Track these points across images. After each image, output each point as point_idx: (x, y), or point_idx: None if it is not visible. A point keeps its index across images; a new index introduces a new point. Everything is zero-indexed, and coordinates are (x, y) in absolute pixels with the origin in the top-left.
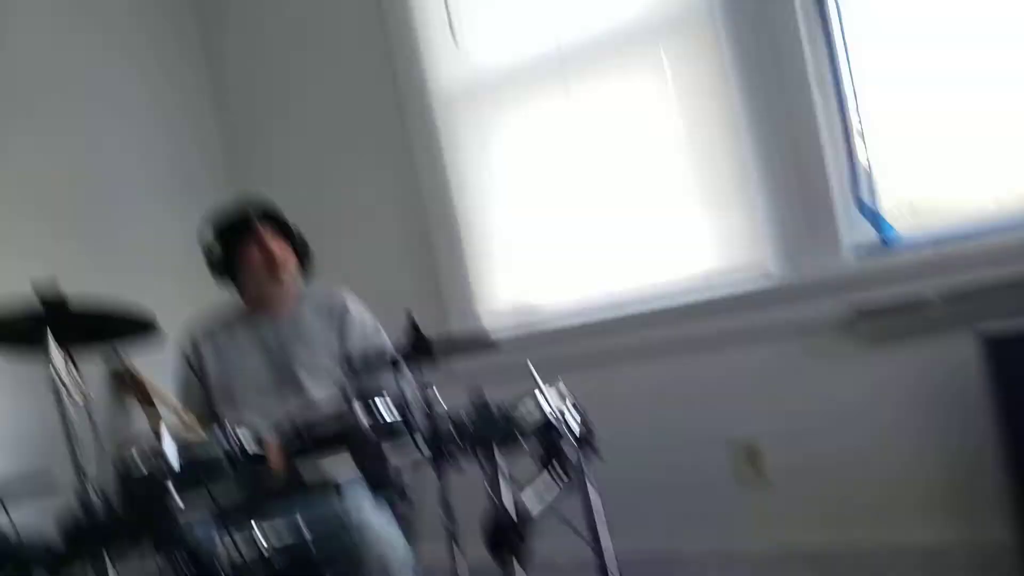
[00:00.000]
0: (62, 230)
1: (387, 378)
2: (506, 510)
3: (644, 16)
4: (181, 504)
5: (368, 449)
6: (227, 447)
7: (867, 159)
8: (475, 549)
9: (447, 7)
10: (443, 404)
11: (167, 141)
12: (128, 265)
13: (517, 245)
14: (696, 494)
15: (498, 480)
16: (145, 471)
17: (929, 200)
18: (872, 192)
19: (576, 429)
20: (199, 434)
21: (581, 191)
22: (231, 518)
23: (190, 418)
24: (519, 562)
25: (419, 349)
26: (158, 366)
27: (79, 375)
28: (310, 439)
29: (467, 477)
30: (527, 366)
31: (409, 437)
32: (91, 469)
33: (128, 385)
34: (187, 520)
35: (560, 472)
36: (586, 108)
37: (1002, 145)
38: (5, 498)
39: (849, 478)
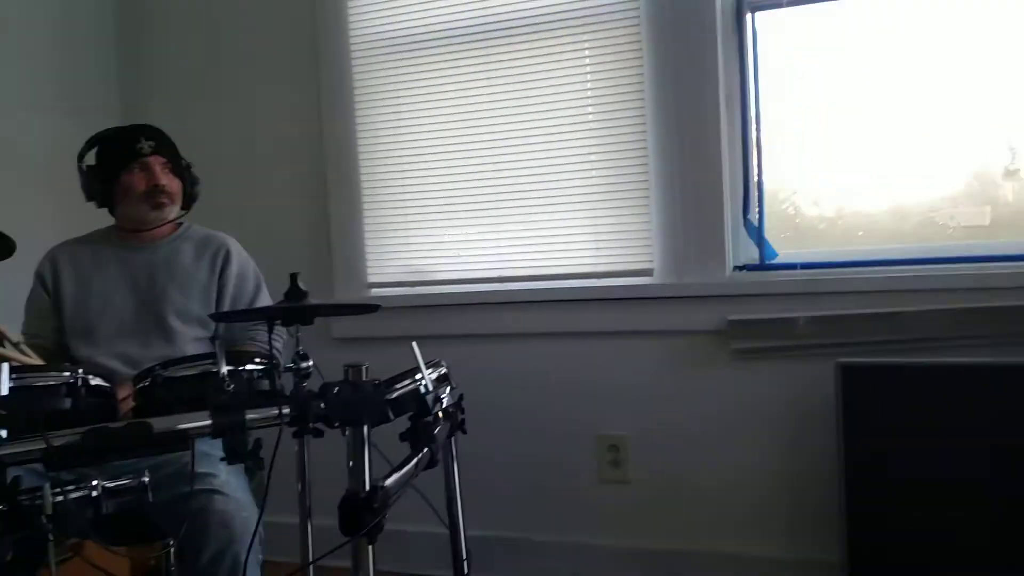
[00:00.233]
0: None
1: (260, 336)
2: (366, 493)
3: (574, 1)
4: (9, 452)
5: (229, 416)
6: (69, 379)
7: (760, 178)
8: (325, 518)
9: None
10: (319, 374)
11: (60, 55)
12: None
13: (414, 213)
14: (557, 485)
15: (362, 460)
16: None
17: (813, 227)
18: (760, 211)
19: (450, 413)
20: (36, 361)
21: (483, 167)
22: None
23: (25, 349)
24: (371, 542)
25: (297, 311)
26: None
27: None
28: (168, 392)
29: (326, 442)
30: (412, 347)
31: (273, 406)
32: None
33: None
34: (14, 474)
35: (428, 456)
36: (501, 84)
37: (887, 178)
38: None
39: (703, 485)
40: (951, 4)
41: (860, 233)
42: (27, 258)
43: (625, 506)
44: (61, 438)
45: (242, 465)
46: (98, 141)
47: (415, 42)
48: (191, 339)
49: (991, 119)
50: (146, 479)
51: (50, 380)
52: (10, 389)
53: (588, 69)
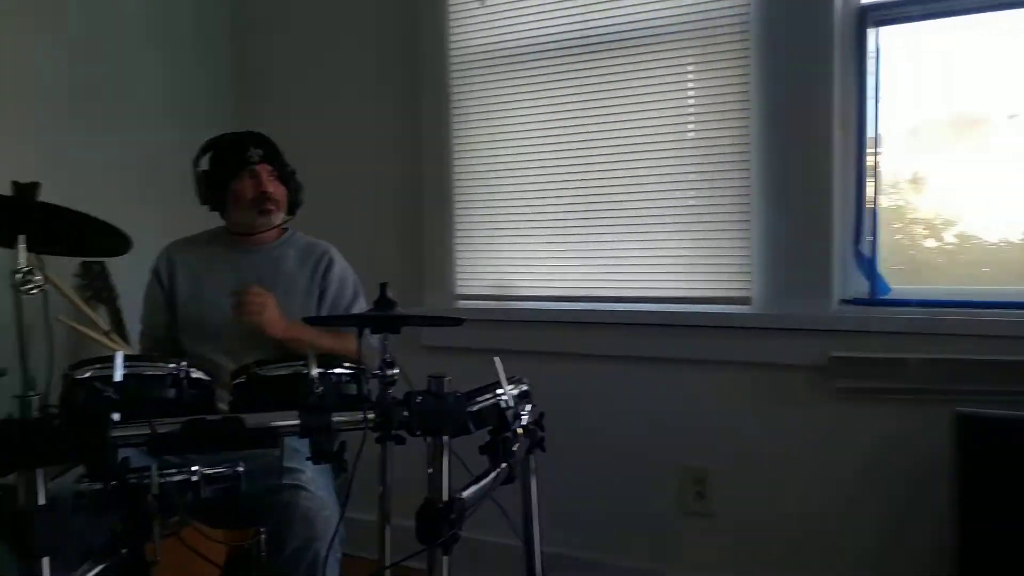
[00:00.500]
0: (53, 139)
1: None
2: (444, 502)
3: (678, 13)
4: (121, 435)
5: (317, 417)
6: (174, 371)
7: (875, 206)
8: (404, 520)
9: None
10: (407, 381)
11: (177, 64)
12: (116, 181)
13: (504, 227)
14: (636, 511)
15: (442, 470)
16: (90, 398)
17: (931, 260)
18: (874, 243)
19: (530, 430)
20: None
21: (576, 183)
22: (165, 444)
23: (115, 337)
24: (446, 552)
25: (385, 320)
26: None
27: (44, 279)
28: (262, 389)
29: (408, 446)
30: (495, 362)
31: (359, 411)
32: (41, 374)
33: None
34: (124, 455)
35: (506, 471)
36: (597, 98)
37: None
38: None
39: (790, 523)
40: None
41: (984, 269)
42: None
43: (707, 540)
44: (164, 425)
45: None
46: (211, 147)
47: (513, 55)
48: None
49: None
50: (240, 468)
51: (157, 370)
52: (123, 376)
53: (690, 83)
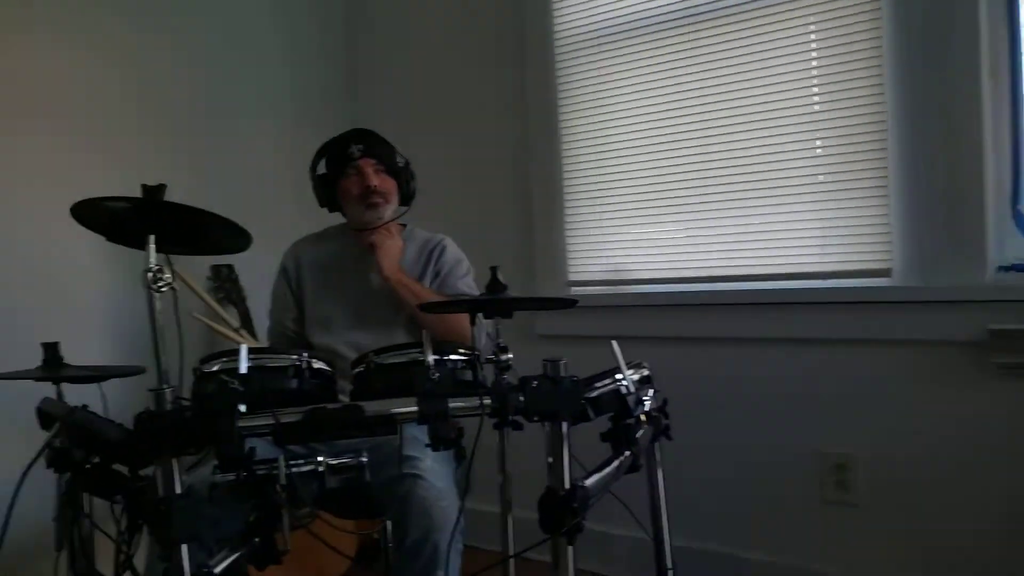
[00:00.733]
0: (178, 144)
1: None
2: (566, 490)
3: None
4: (247, 425)
5: (434, 403)
6: (296, 362)
7: None
8: (527, 512)
9: None
10: (515, 370)
11: (292, 65)
12: (239, 183)
13: (616, 210)
14: (772, 502)
15: (562, 457)
16: (217, 390)
17: None
18: None
19: (654, 417)
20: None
21: (692, 160)
22: (288, 434)
23: (243, 333)
24: (570, 542)
25: (497, 303)
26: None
27: (173, 275)
28: (381, 377)
29: (528, 436)
30: (612, 346)
31: (475, 397)
32: (174, 368)
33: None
34: (251, 445)
35: (630, 459)
36: (711, 70)
37: None
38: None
39: (944, 514)
40: None
41: None
42: (267, 255)
43: (851, 532)
44: (287, 415)
45: (450, 453)
46: (323, 151)
47: (618, 33)
48: (411, 331)
49: None
50: (364, 459)
51: (280, 362)
52: (248, 369)
53: (813, 46)
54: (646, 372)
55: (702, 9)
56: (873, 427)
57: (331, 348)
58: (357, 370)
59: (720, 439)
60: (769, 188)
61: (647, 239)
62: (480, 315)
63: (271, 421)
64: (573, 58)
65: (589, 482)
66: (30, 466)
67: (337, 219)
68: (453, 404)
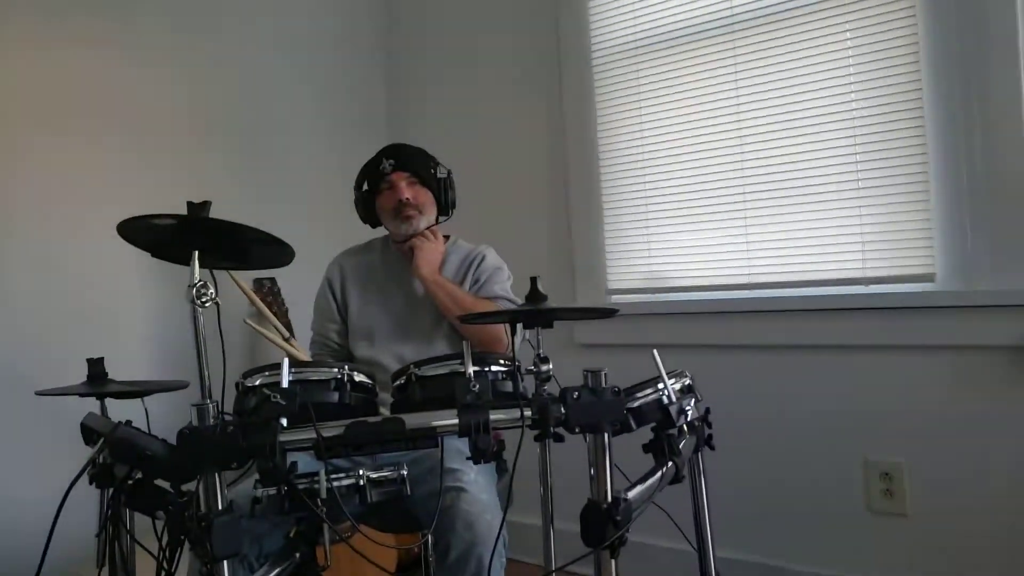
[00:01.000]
0: (223, 159)
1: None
2: (608, 503)
3: None
4: (289, 439)
5: (474, 415)
6: (337, 375)
7: None
8: (569, 524)
9: None
10: (556, 382)
11: (334, 81)
12: (282, 195)
13: (656, 217)
14: (817, 511)
15: (604, 469)
16: (260, 405)
17: None
18: None
19: (696, 426)
20: (302, 354)
21: (730, 166)
22: (330, 447)
23: (294, 343)
24: (613, 555)
25: (537, 313)
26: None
27: (216, 290)
28: (421, 389)
29: (570, 447)
30: (653, 355)
31: (516, 408)
32: (217, 382)
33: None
34: (292, 459)
35: (673, 470)
36: (748, 77)
37: None
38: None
39: (998, 525)
40: None
41: None
42: (308, 267)
43: (901, 542)
44: (329, 429)
45: (492, 465)
46: (362, 170)
47: (656, 41)
48: (452, 341)
49: None
50: (404, 472)
51: (321, 375)
52: (289, 382)
53: (850, 51)
54: (688, 381)
55: (738, 18)
56: (920, 434)
57: (374, 360)
58: (398, 382)
59: (763, 448)
60: (809, 193)
61: (687, 246)
62: (519, 325)
63: (312, 435)
64: (610, 68)
65: (631, 494)
66: (73, 482)
67: (379, 232)
68: (494, 416)
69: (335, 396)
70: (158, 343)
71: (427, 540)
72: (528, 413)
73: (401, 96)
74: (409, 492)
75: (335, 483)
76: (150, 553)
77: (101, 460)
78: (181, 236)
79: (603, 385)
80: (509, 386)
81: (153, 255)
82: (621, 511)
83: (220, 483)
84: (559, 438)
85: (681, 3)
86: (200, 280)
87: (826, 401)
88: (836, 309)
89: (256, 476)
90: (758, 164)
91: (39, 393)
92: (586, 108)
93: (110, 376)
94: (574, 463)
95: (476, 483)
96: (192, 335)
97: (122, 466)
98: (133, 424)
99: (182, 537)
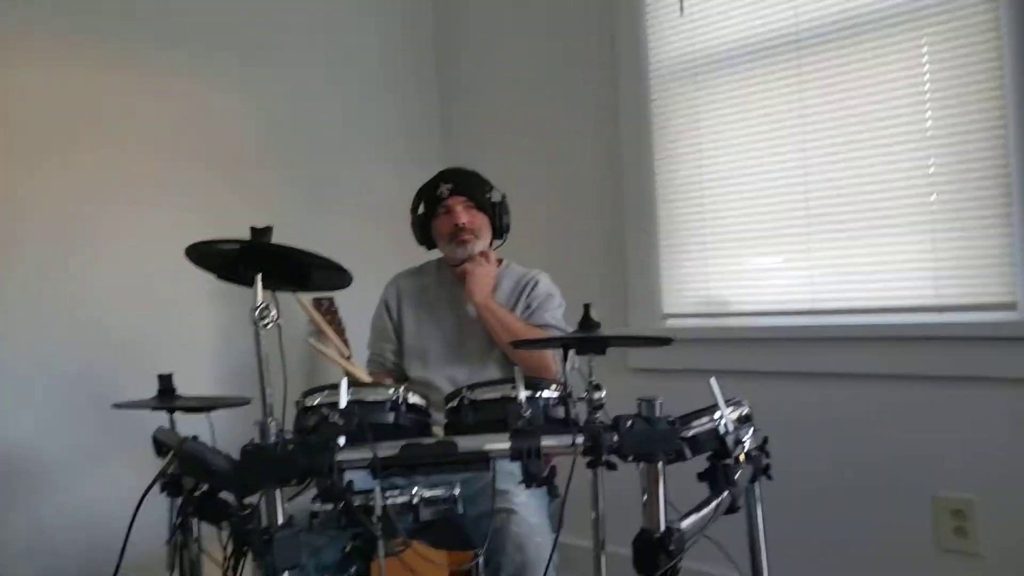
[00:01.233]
0: (285, 180)
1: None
2: (661, 532)
3: None
4: (346, 459)
5: (526, 441)
6: (392, 396)
7: None
8: (621, 548)
9: None
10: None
11: (387, 105)
12: (343, 216)
13: (713, 240)
14: (882, 548)
15: (657, 497)
16: (319, 424)
17: None
18: None
19: (753, 456)
20: (362, 374)
21: (793, 188)
22: (385, 467)
23: (354, 362)
24: None
25: (590, 340)
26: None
27: (278, 312)
28: (474, 412)
29: (623, 469)
30: (710, 383)
31: (568, 433)
32: (278, 400)
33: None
34: (350, 478)
35: (728, 500)
36: (813, 96)
37: None
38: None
39: None
40: None
41: None
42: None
43: None
44: (384, 449)
45: (544, 488)
46: (420, 193)
47: (716, 61)
48: (503, 365)
49: None
50: (456, 491)
51: (377, 396)
52: (346, 402)
53: (926, 68)
54: (746, 410)
55: (804, 35)
56: (995, 470)
57: (427, 381)
58: (451, 404)
59: (824, 480)
60: (877, 215)
61: (746, 270)
62: (572, 351)
63: (369, 454)
64: (667, 88)
65: (685, 524)
66: (146, 492)
67: (434, 254)
68: (546, 442)
69: (390, 417)
70: (223, 360)
71: (479, 560)
72: (580, 440)
73: (454, 117)
74: (461, 511)
75: (389, 500)
76: (215, 562)
77: (171, 471)
78: (245, 260)
79: (657, 414)
80: (561, 412)
81: (218, 278)
82: (674, 540)
83: (280, 498)
84: (612, 466)
85: (744, 20)
86: (263, 302)
87: (892, 433)
88: (905, 338)
89: (314, 490)
90: (823, 185)
91: (115, 406)
92: (642, 127)
93: (178, 391)
94: (626, 485)
95: (527, 505)
96: (255, 355)
97: (190, 478)
98: (199, 439)
99: (245, 548)
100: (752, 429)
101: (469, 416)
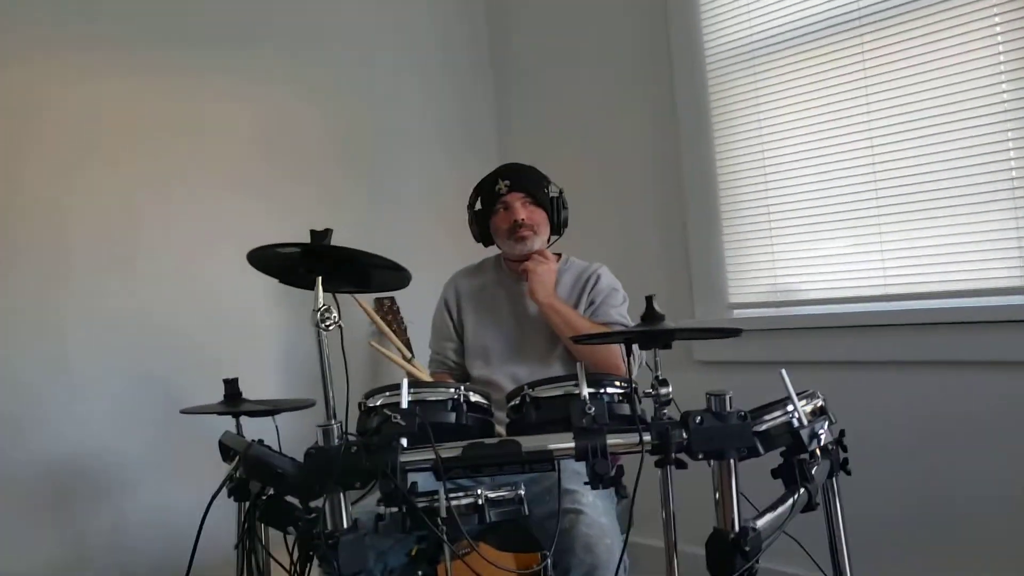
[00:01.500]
0: (345, 181)
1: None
2: (735, 532)
3: None
4: (409, 460)
5: (591, 440)
6: (453, 395)
7: None
8: (693, 547)
9: None
10: (676, 406)
11: (444, 103)
12: (401, 216)
13: (779, 227)
14: (971, 545)
15: (730, 496)
16: (381, 425)
17: None
18: None
19: (830, 450)
20: (423, 374)
21: (861, 170)
22: (448, 468)
23: (416, 363)
24: None
25: (654, 334)
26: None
27: (339, 314)
28: (536, 411)
29: (696, 466)
30: (781, 375)
31: (634, 431)
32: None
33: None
34: (414, 480)
35: (805, 497)
36: (880, 76)
37: None
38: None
39: None
40: None
41: None
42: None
43: None
44: (447, 450)
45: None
46: (477, 189)
47: (774, 43)
48: (567, 362)
49: None
50: (521, 492)
51: (439, 395)
52: (408, 402)
53: (1000, 40)
54: (820, 402)
55: (867, 11)
56: None
57: (490, 379)
58: (512, 403)
59: (906, 474)
60: (953, 196)
61: (816, 256)
62: (636, 346)
63: (432, 455)
64: (725, 73)
65: (760, 523)
66: (214, 496)
67: (493, 251)
68: (611, 441)
69: (452, 416)
70: (287, 362)
71: (547, 562)
72: (648, 438)
73: (511, 112)
74: (527, 512)
75: (454, 502)
76: (283, 566)
77: (238, 475)
78: (305, 263)
79: (728, 409)
80: (626, 409)
81: (280, 281)
82: (750, 541)
83: (345, 501)
84: (681, 464)
85: (801, 1)
86: (324, 305)
87: (983, 424)
88: (990, 321)
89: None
90: (892, 166)
91: (183, 411)
92: (701, 113)
93: (244, 395)
94: (699, 479)
95: (595, 506)
96: (318, 357)
97: (256, 482)
98: (264, 442)
99: (311, 553)
100: (827, 422)
101: (531, 414)
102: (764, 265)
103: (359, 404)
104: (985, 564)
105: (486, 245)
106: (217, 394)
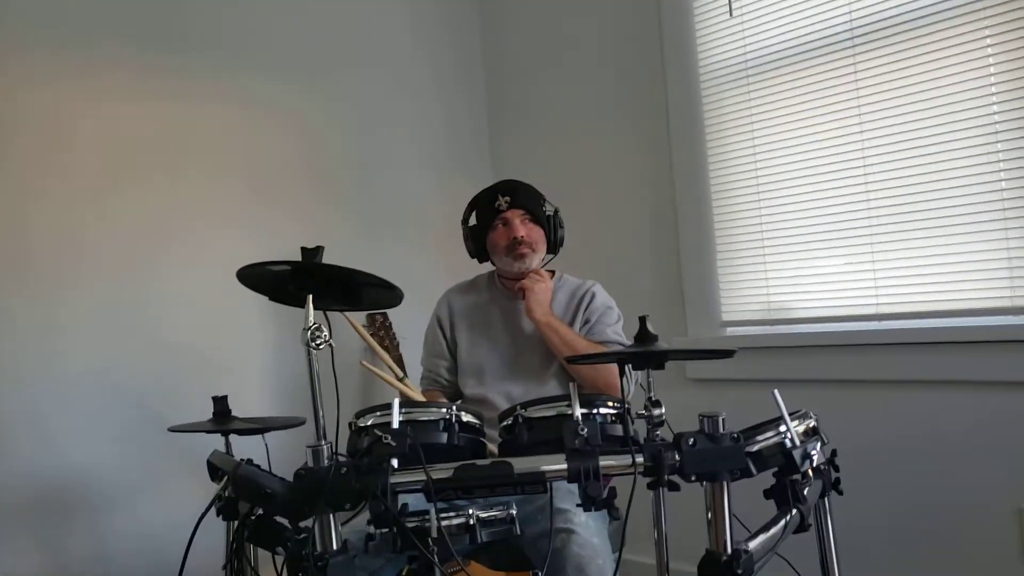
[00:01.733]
0: (335, 198)
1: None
2: (728, 554)
3: None
4: (400, 481)
5: (583, 461)
6: (445, 415)
7: None
8: (685, 565)
9: None
10: (669, 427)
11: (437, 121)
12: (392, 233)
13: (772, 245)
14: (961, 563)
15: (723, 518)
16: (371, 446)
17: None
18: None
19: (822, 470)
20: (415, 394)
21: (854, 189)
22: (439, 489)
23: (408, 383)
24: None
25: (647, 355)
26: (418, 329)
27: (330, 333)
28: (528, 431)
29: (686, 486)
30: (773, 394)
31: (627, 453)
32: (331, 421)
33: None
34: (403, 501)
35: (798, 518)
36: (872, 95)
37: None
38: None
39: None
40: None
41: None
42: (418, 295)
43: None
44: (438, 471)
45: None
46: (473, 203)
47: (768, 62)
48: (562, 380)
49: None
50: (513, 511)
51: (430, 415)
52: (399, 423)
53: (991, 61)
54: (812, 422)
55: (860, 31)
56: None
57: (483, 398)
58: (505, 423)
59: (898, 494)
60: (944, 216)
61: (809, 275)
62: (629, 366)
63: (423, 476)
64: (719, 91)
65: (753, 544)
66: (202, 516)
67: (485, 268)
68: (604, 462)
69: (443, 437)
70: (276, 380)
71: None
72: (640, 460)
73: (503, 128)
74: (519, 531)
75: (446, 522)
76: None
77: (226, 494)
78: (296, 281)
79: (720, 431)
80: (619, 430)
81: (270, 299)
82: (742, 564)
83: (335, 522)
84: (674, 486)
85: (796, 19)
86: (314, 323)
87: (971, 442)
88: (980, 341)
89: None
90: (885, 185)
91: (171, 429)
92: (694, 132)
93: (233, 413)
94: (690, 499)
95: (587, 526)
96: (308, 376)
97: (244, 502)
98: (253, 461)
99: (300, 574)
100: (820, 442)
101: (524, 435)
102: (757, 283)
103: (349, 424)
104: None
105: (481, 261)
106: (206, 412)
